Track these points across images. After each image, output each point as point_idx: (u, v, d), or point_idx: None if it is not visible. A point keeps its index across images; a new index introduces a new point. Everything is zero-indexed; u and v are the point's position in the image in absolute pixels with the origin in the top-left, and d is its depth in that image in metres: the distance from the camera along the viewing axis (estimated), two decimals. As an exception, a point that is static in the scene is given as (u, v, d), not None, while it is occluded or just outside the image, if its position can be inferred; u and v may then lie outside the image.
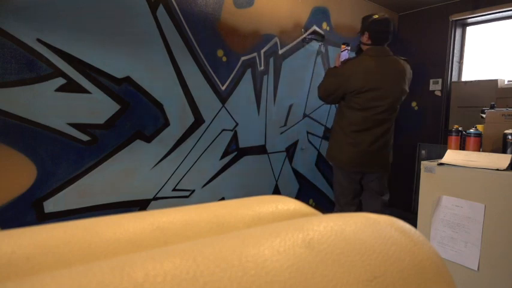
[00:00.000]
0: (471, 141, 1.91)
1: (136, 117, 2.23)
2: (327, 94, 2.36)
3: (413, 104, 3.99)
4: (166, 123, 2.38)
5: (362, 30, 2.34)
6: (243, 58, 2.75)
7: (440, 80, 3.75)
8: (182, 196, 2.51)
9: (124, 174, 2.20)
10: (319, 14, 3.29)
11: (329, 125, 3.52)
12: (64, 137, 1.96)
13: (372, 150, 2.33)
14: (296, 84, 3.17)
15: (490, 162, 1.71)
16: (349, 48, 2.40)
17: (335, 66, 2.45)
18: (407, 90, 2.37)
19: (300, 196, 3.32)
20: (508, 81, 3.06)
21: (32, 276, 0.18)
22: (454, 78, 3.75)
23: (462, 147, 1.98)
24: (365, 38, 2.30)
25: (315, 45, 3.28)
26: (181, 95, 2.44)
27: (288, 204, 0.33)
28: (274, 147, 3.06)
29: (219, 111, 2.65)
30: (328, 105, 3.50)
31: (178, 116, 2.43)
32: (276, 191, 3.11)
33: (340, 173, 2.44)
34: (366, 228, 0.24)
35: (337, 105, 2.55)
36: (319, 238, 0.22)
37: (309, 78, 3.28)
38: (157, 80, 2.30)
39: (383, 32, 2.27)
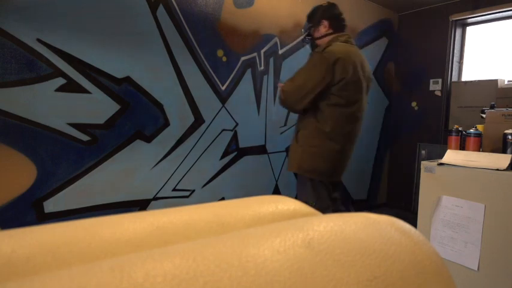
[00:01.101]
0: (471, 141, 1.91)
1: (136, 117, 2.23)
2: (302, 95, 1.87)
3: (413, 104, 3.99)
4: (166, 123, 2.38)
5: (317, 21, 1.99)
6: (243, 58, 2.75)
7: (440, 80, 3.75)
8: (182, 196, 2.51)
9: (124, 174, 2.20)
10: (319, 14, 3.28)
11: (329, 125, 3.52)
12: (64, 137, 1.96)
13: (351, 153, 2.06)
14: (296, 84, 3.17)
15: (490, 162, 1.71)
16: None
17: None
18: None
19: (300, 196, 3.32)
20: (508, 81, 3.06)
21: (32, 276, 0.18)
22: (454, 78, 3.75)
23: (462, 147, 1.98)
24: (324, 29, 1.98)
25: (315, 45, 3.28)
26: (181, 95, 2.44)
27: (288, 204, 0.33)
28: (274, 147, 3.06)
29: (219, 111, 2.65)
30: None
31: (178, 116, 2.43)
32: (276, 191, 3.11)
33: (316, 187, 2.01)
34: (366, 228, 0.24)
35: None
36: (319, 238, 0.22)
37: (309, 78, 3.27)
38: (157, 80, 2.30)
39: (341, 16, 2.03)
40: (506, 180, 1.62)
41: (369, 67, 2.10)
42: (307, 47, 3.22)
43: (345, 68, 1.86)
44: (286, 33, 3.04)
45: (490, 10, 3.38)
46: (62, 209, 1.99)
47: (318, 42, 2.02)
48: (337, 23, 2.01)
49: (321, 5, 2.04)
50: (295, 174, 2.14)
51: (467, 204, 1.74)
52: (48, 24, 1.87)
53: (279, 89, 2.05)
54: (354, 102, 1.95)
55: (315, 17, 2.02)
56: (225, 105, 2.68)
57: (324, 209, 2.03)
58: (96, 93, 2.06)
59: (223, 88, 2.65)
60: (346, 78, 1.87)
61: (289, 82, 1.95)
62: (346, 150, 1.99)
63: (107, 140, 2.12)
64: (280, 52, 3.01)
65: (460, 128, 2.02)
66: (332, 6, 2.04)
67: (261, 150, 2.97)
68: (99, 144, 2.09)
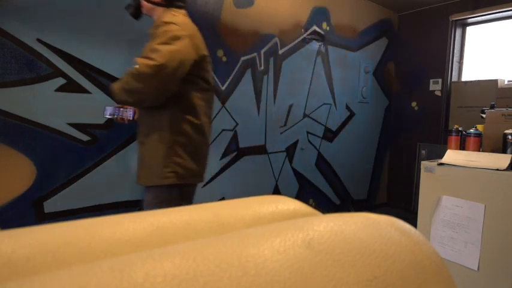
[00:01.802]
0: (471, 141, 1.91)
1: (136, 117, 2.23)
2: (175, 67, 1.39)
3: (413, 104, 3.99)
4: (166, 123, 2.37)
5: None
6: (243, 58, 2.75)
7: (440, 80, 3.75)
8: (182, 196, 2.51)
9: (124, 174, 2.20)
10: (319, 14, 3.29)
11: (329, 125, 3.52)
12: (64, 137, 1.96)
13: None
14: (296, 84, 3.17)
15: (490, 162, 1.71)
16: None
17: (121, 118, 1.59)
18: None
19: (300, 196, 3.32)
20: (508, 81, 3.06)
21: (32, 276, 0.18)
22: (454, 78, 3.75)
23: (462, 147, 1.98)
24: None
25: (315, 45, 3.28)
26: (181, 95, 2.44)
27: (288, 204, 0.33)
28: (274, 147, 3.06)
29: (219, 111, 2.65)
30: (328, 105, 3.49)
31: (178, 116, 2.42)
32: (276, 191, 3.11)
33: (180, 194, 1.56)
34: (366, 228, 0.24)
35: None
36: (319, 238, 0.22)
37: (309, 78, 3.28)
38: (157, 80, 2.30)
39: None
40: (506, 180, 1.62)
41: None
42: (307, 47, 3.22)
43: (202, 43, 1.54)
44: (286, 33, 3.03)
45: (490, 10, 3.38)
46: (62, 209, 1.99)
47: (144, 5, 1.56)
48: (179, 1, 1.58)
49: None
50: (149, 187, 1.56)
51: (467, 204, 1.74)
52: (48, 24, 1.87)
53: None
54: (212, 85, 1.63)
55: None
56: (225, 105, 2.68)
57: None
58: (96, 93, 2.06)
59: (223, 88, 2.65)
60: (206, 55, 1.57)
61: (155, 54, 1.37)
62: (209, 143, 1.67)
63: (107, 140, 2.12)
64: (280, 52, 3.01)
65: (460, 128, 2.02)
66: None
67: (261, 150, 2.97)
68: (99, 144, 2.09)
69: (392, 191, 4.25)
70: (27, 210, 1.87)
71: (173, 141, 1.50)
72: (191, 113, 1.54)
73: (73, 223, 0.25)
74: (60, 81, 1.93)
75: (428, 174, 1.91)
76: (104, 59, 2.07)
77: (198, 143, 1.57)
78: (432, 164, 1.91)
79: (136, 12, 1.62)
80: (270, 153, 3.04)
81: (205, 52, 1.56)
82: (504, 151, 1.76)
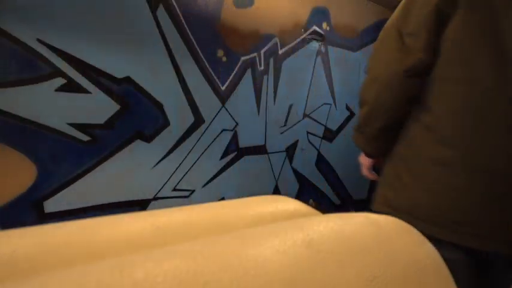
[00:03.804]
0: (471, 141, 1.91)
1: (136, 117, 2.23)
2: None
3: (413, 104, 3.98)
4: (166, 123, 2.38)
5: None
6: (243, 58, 2.75)
7: (440, 80, 3.74)
8: (182, 196, 2.51)
9: (124, 174, 2.20)
10: (319, 14, 3.29)
11: (329, 125, 3.52)
12: (64, 137, 1.96)
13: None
14: (296, 84, 3.17)
15: (490, 162, 1.71)
16: None
17: None
18: None
19: (300, 196, 3.32)
20: (508, 81, 3.06)
21: (32, 276, 0.18)
22: (454, 78, 3.74)
23: (462, 147, 1.97)
24: None
25: (315, 45, 3.28)
26: (181, 95, 2.44)
27: (288, 204, 0.33)
28: (274, 147, 3.06)
29: (219, 111, 2.65)
30: (328, 105, 3.49)
31: (178, 116, 2.43)
32: (276, 191, 3.11)
33: None
34: (366, 228, 0.24)
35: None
36: (319, 238, 0.22)
37: (309, 78, 3.28)
38: (157, 80, 2.30)
39: None
40: (506, 180, 1.61)
41: None
42: (307, 47, 3.22)
43: None
44: (286, 33, 3.03)
45: (490, 10, 3.37)
46: (62, 209, 1.99)
47: None
48: None
49: None
50: None
51: (467, 204, 1.74)
52: (48, 24, 1.87)
53: None
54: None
55: None
56: (225, 105, 2.68)
57: None
58: (96, 93, 2.06)
59: (223, 88, 2.65)
60: None
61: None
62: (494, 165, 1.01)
63: (107, 140, 2.12)
64: (280, 52, 3.00)
65: (460, 128, 2.01)
66: None
67: (261, 150, 2.97)
68: (99, 144, 2.09)
69: (392, 191, 4.24)
70: (27, 210, 1.87)
71: (401, 151, 1.11)
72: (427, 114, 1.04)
73: (73, 223, 0.25)
74: (60, 81, 1.93)
75: (428, 174, 1.91)
76: (104, 59, 2.07)
77: (431, 159, 0.99)
78: (432, 164, 1.91)
79: None
80: (270, 153, 3.04)
81: None
82: (504, 151, 1.75)
